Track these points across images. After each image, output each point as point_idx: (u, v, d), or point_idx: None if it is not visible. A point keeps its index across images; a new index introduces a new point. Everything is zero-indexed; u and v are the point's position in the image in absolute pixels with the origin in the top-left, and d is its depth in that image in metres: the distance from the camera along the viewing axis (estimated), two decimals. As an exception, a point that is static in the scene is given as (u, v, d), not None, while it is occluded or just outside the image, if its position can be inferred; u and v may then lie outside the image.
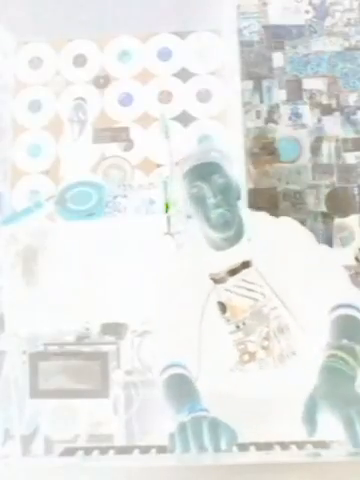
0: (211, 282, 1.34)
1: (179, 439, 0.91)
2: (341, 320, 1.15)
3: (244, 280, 1.32)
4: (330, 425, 0.91)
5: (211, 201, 1.29)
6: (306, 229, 1.41)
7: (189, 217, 1.41)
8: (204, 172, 1.32)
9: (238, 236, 1.36)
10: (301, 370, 1.19)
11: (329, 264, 1.30)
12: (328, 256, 1.34)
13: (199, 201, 1.31)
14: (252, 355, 1.31)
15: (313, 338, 1.22)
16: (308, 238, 1.38)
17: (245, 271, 1.32)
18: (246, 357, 1.31)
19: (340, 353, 1.03)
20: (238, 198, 1.38)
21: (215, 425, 0.92)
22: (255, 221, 1.40)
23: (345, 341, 1.06)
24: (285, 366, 1.30)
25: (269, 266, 1.31)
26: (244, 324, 1.31)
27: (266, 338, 1.30)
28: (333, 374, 1.00)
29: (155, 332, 1.42)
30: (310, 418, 0.91)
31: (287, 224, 1.40)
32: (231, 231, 1.33)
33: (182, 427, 0.93)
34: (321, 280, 1.25)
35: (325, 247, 1.40)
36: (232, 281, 1.33)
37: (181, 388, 1.19)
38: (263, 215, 1.46)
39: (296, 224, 1.40)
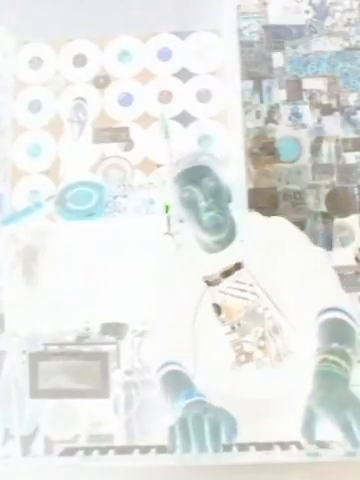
0: (204, 284, 1.34)
1: (181, 437, 0.91)
2: (329, 324, 1.14)
3: (237, 281, 1.33)
4: (329, 426, 0.90)
5: (202, 204, 1.30)
6: (298, 229, 1.41)
7: (181, 221, 1.41)
8: (195, 176, 1.33)
9: (230, 238, 1.36)
10: (298, 369, 1.19)
11: (319, 265, 1.29)
12: (319, 257, 1.33)
13: (191, 205, 1.32)
14: (249, 355, 1.31)
15: (305, 338, 1.22)
16: (300, 238, 1.37)
17: (238, 272, 1.33)
18: (243, 357, 1.31)
19: (331, 357, 1.02)
20: (229, 200, 1.38)
21: (216, 421, 0.92)
22: (247, 222, 1.40)
23: (336, 345, 1.05)
24: (282, 365, 1.30)
25: (260, 267, 1.31)
26: (239, 325, 1.32)
27: (262, 338, 1.31)
28: (327, 379, 0.99)
29: (152, 332, 1.42)
30: (309, 430, 0.90)
31: (279, 224, 1.39)
32: (223, 233, 1.33)
33: (183, 424, 0.93)
34: (310, 281, 1.24)
35: (317, 248, 1.38)
36: (226, 283, 1.33)
37: (178, 380, 1.20)
38: (255, 215, 1.46)
39: (288, 224, 1.39)
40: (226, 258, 1.34)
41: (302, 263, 1.28)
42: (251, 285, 1.31)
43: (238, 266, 1.33)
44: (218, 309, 1.33)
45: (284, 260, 1.28)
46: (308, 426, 0.91)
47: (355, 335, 1.12)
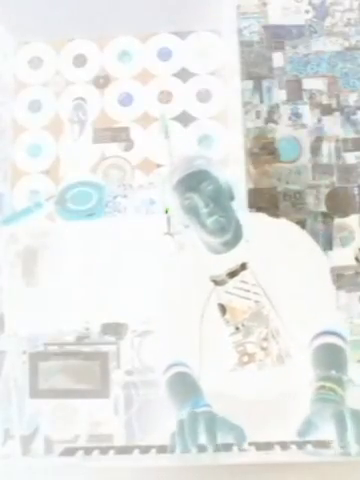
0: (211, 284, 1.34)
1: (178, 437, 0.91)
2: (326, 349, 1.15)
3: (243, 282, 1.33)
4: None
5: (204, 211, 1.29)
6: (305, 233, 1.40)
7: (187, 227, 1.40)
8: (193, 182, 1.31)
9: (237, 238, 1.36)
10: (299, 370, 1.19)
11: (318, 279, 1.28)
12: (319, 269, 1.31)
13: (193, 212, 1.31)
14: (251, 356, 1.31)
15: (300, 345, 1.22)
16: (304, 243, 1.35)
17: (243, 273, 1.32)
18: (245, 358, 1.31)
19: (329, 384, 1.04)
20: (231, 198, 1.37)
21: (212, 422, 0.91)
22: (253, 222, 1.40)
23: (333, 372, 1.06)
24: (284, 366, 1.30)
25: (263, 268, 1.30)
26: (243, 326, 1.32)
27: (265, 339, 1.31)
28: (324, 404, 1.00)
29: (157, 333, 1.42)
30: (303, 435, 0.91)
31: (285, 226, 1.38)
32: (229, 235, 1.32)
33: (180, 425, 0.93)
34: (308, 296, 1.24)
35: (319, 256, 1.36)
36: (232, 283, 1.33)
37: (184, 385, 1.20)
38: (261, 216, 1.45)
39: (293, 227, 1.38)
40: (232, 258, 1.34)
41: (303, 273, 1.27)
42: (255, 286, 1.31)
43: (244, 266, 1.33)
44: (223, 309, 1.33)
45: (286, 265, 1.28)
46: (303, 432, 0.91)
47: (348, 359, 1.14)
